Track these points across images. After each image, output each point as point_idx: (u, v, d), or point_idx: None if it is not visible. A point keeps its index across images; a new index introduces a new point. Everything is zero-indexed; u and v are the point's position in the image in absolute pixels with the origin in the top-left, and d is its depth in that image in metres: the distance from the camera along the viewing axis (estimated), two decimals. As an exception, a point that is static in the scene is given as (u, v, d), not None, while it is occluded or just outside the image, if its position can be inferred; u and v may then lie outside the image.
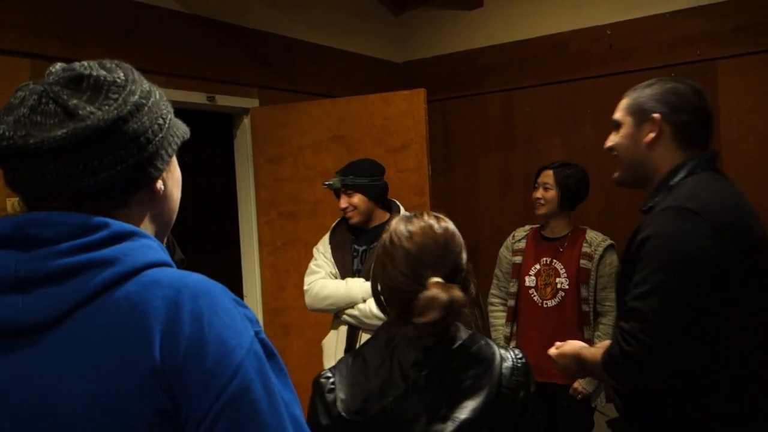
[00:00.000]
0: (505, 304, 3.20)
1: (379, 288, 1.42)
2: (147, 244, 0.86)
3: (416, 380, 1.34)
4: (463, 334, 1.41)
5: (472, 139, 4.91)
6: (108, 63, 0.91)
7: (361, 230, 2.72)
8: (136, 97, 0.87)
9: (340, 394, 1.35)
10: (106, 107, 0.84)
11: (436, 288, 1.31)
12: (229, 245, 4.23)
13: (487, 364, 1.39)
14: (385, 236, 1.42)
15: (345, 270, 2.68)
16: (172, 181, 0.97)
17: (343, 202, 2.69)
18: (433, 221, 1.42)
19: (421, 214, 1.44)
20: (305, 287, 2.68)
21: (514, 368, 1.41)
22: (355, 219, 2.68)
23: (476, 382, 1.37)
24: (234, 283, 4.14)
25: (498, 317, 3.23)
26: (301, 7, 4.28)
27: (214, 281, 0.87)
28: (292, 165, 3.81)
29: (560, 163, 3.14)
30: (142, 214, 0.92)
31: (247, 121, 3.97)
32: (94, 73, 0.86)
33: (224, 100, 3.80)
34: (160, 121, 0.90)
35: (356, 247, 2.71)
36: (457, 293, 1.31)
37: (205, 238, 4.79)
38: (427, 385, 1.34)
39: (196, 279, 0.86)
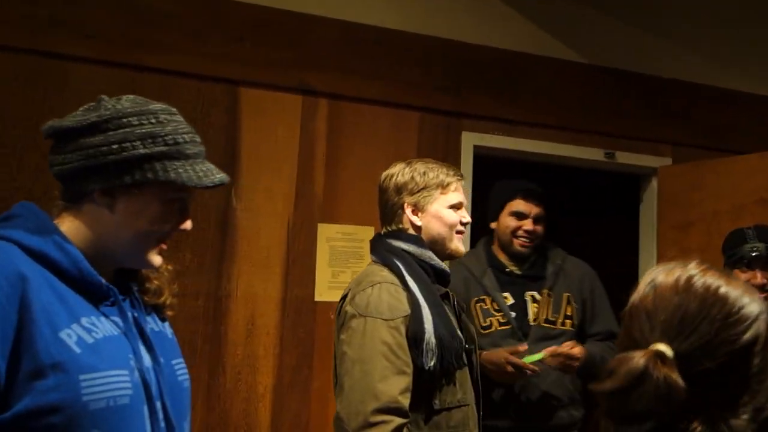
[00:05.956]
0: None
1: None
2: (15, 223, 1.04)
3: None
4: None
5: None
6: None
7: None
8: (94, 117, 1.07)
9: None
10: (71, 118, 1.09)
11: (643, 354, 0.79)
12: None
13: None
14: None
15: None
16: (130, 211, 1.08)
17: (761, 279, 2.26)
18: (696, 272, 0.86)
19: (688, 263, 0.90)
20: None
21: None
22: None
23: None
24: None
25: None
26: (736, 55, 3.58)
27: None
28: (704, 233, 3.11)
29: None
30: (90, 223, 1.09)
31: (655, 182, 3.43)
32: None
33: (627, 158, 3.36)
34: (115, 146, 1.05)
35: None
36: (673, 375, 0.76)
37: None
38: None
39: None
